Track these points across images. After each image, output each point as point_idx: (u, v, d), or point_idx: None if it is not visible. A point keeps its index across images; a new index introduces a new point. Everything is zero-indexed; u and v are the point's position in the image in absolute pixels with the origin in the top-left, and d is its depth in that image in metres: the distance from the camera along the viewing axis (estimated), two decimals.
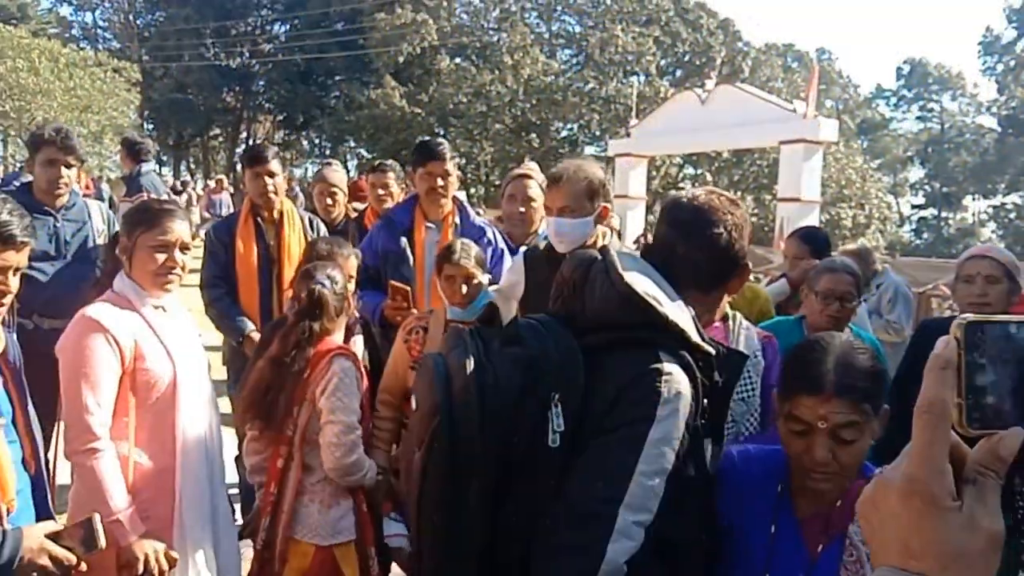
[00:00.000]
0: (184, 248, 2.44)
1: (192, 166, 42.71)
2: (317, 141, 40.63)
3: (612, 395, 1.52)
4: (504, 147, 31.38)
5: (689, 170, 33.41)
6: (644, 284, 1.58)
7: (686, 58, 34.25)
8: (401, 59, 31.12)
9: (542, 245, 2.99)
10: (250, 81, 38.22)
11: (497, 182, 31.59)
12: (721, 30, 34.14)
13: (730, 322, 2.63)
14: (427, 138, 3.91)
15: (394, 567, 2.96)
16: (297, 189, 16.25)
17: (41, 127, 3.73)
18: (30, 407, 2.08)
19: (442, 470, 1.52)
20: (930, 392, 0.63)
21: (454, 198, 3.71)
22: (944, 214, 48.91)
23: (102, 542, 1.87)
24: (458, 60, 33.24)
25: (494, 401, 1.50)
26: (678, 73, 34.34)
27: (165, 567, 2.24)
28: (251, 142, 40.82)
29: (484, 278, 3.05)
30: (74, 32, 40.17)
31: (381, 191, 4.65)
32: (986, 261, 2.85)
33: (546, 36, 35.01)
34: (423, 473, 1.56)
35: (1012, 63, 43.77)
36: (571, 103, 30.94)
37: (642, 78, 31.62)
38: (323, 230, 4.11)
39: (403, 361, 3.05)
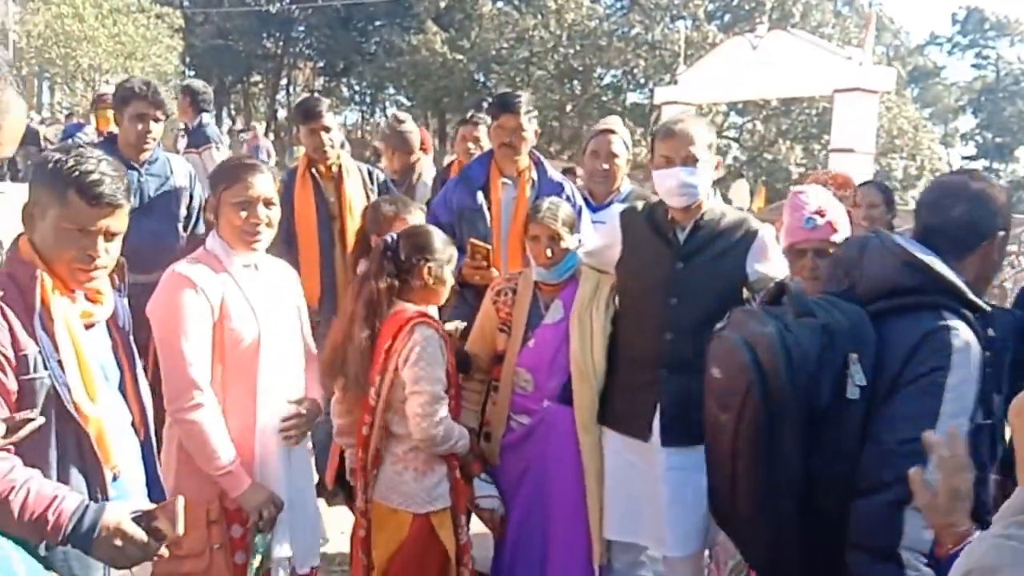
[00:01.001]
0: (268, 204, 2.41)
1: (233, 113, 42.79)
2: (357, 88, 40.39)
3: (905, 352, 1.74)
4: (546, 94, 30.93)
5: (735, 118, 32.74)
6: (920, 252, 1.81)
7: (734, 2, 33.24)
8: (442, 3, 30.69)
9: (639, 205, 2.91)
10: (290, 27, 37.93)
11: (538, 130, 31.27)
12: None
13: None
14: (506, 91, 3.80)
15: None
16: (343, 138, 16.15)
17: (130, 80, 3.64)
18: (139, 372, 2.06)
19: (756, 426, 1.78)
20: None
21: (531, 153, 3.59)
22: (996, 165, 47.54)
23: (180, 528, 1.79)
24: (500, 4, 32.62)
25: (799, 361, 1.74)
26: (726, 18, 33.37)
27: (274, 514, 2.24)
28: (291, 89, 40.76)
29: (573, 240, 2.93)
30: None
31: (471, 144, 4.54)
32: None
33: None
34: (735, 432, 1.83)
35: None
36: (616, 48, 30.28)
37: (689, 23, 30.80)
38: (381, 177, 4.07)
39: (491, 323, 3.02)
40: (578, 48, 30.59)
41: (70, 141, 8.22)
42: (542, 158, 3.66)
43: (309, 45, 38.53)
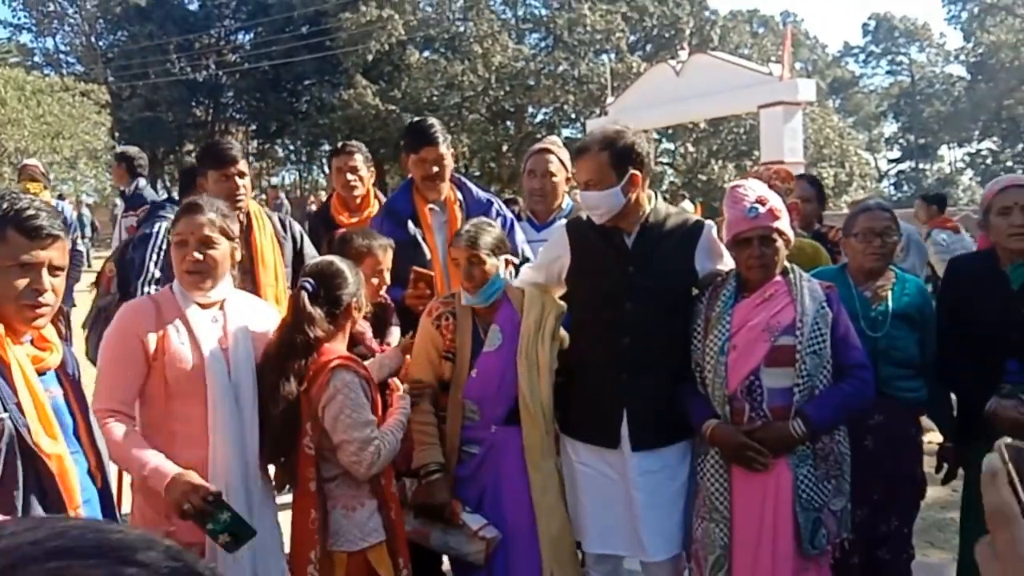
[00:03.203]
0: (205, 243, 2.45)
1: (168, 183, 42.34)
2: (292, 147, 40.30)
3: None
4: (481, 136, 31.30)
5: (667, 144, 33.44)
6: None
7: (655, 32, 34.16)
8: (370, 57, 30.88)
9: (584, 215, 2.89)
10: (219, 93, 37.85)
11: (477, 172, 31.51)
12: (687, 1, 34.08)
13: (791, 275, 2.64)
14: (417, 119, 3.63)
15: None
16: (283, 196, 16.13)
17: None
18: (92, 419, 2.06)
19: None
20: (992, 501, 0.68)
21: (451, 175, 3.57)
22: (922, 165, 49.21)
23: None
24: (427, 53, 33.04)
25: None
26: (648, 48, 34.25)
27: (199, 503, 2.21)
28: None
29: (495, 262, 2.87)
30: (36, 59, 39.62)
31: (350, 175, 4.14)
32: (1023, 190, 2.81)
33: (513, 21, 34.84)
34: None
35: (976, 9, 44.01)
36: (544, 87, 30.86)
37: (613, 56, 31.56)
38: (297, 229, 3.79)
39: (435, 348, 2.92)
40: (508, 89, 31.10)
41: None
42: (463, 179, 3.65)
43: (240, 109, 38.46)
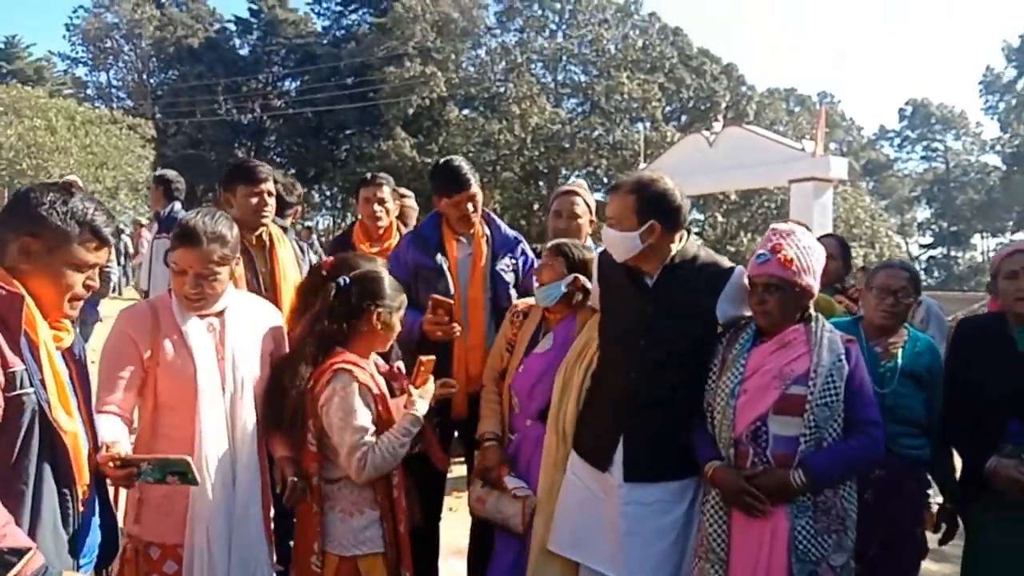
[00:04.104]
0: (203, 276, 2.49)
1: None
2: (329, 193, 41.01)
3: None
4: (513, 194, 31.69)
5: (697, 214, 33.58)
6: None
7: (691, 103, 34.65)
8: (411, 111, 31.60)
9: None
10: (262, 136, 38.79)
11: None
12: (724, 75, 34.59)
13: (813, 324, 2.62)
14: (445, 160, 3.64)
15: None
16: (315, 238, 16.36)
17: None
18: (93, 402, 2.13)
19: None
20: None
21: (482, 211, 3.65)
22: (953, 252, 48.88)
23: None
24: (466, 111, 33.73)
25: None
26: (683, 119, 34.70)
27: (112, 472, 2.17)
28: None
29: (565, 272, 3.15)
30: (89, 92, 41.00)
31: (376, 206, 4.29)
32: None
33: (552, 86, 35.52)
34: None
35: (1014, 101, 44.15)
36: (579, 150, 31.31)
37: (648, 124, 32.02)
38: (313, 257, 3.86)
39: (505, 339, 3.32)
40: (542, 150, 31.57)
41: None
42: (492, 215, 3.72)
43: (281, 153, 39.32)
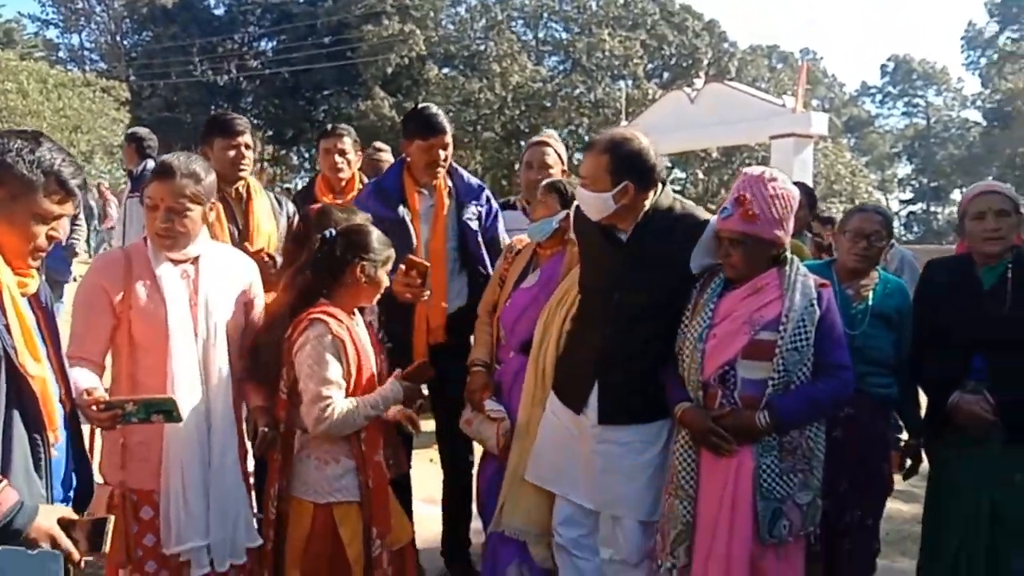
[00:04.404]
0: (175, 210, 2.50)
1: None
2: (307, 155, 40.61)
3: None
4: (495, 154, 31.51)
5: (678, 173, 33.56)
6: None
7: (673, 61, 34.44)
8: (389, 70, 31.23)
9: None
10: (238, 97, 38.22)
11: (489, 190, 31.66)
12: (707, 32, 34.35)
13: (787, 268, 2.63)
14: (421, 106, 3.60)
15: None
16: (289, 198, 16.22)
17: None
18: (62, 349, 2.12)
19: None
20: None
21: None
22: (933, 208, 49.18)
23: (106, 547, 1.88)
24: (446, 70, 33.37)
25: None
26: (665, 76, 34.51)
27: (95, 415, 2.24)
28: None
29: (559, 208, 3.20)
30: (61, 55, 40.16)
31: (338, 157, 4.26)
32: (995, 196, 2.89)
33: (532, 43, 35.18)
34: None
35: (995, 56, 44.13)
36: (560, 108, 31.11)
37: (630, 82, 31.83)
38: (291, 208, 3.85)
39: (499, 274, 3.46)
40: (523, 109, 31.35)
41: None
42: (454, 164, 3.66)
43: (258, 115, 38.78)
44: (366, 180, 4.39)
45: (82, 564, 1.86)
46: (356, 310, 2.78)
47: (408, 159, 3.56)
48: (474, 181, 3.70)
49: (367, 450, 2.64)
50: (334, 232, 2.68)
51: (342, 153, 4.28)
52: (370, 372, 2.69)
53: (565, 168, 3.90)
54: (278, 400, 2.65)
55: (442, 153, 3.47)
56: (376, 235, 2.74)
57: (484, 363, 3.35)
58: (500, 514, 3.11)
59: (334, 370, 2.55)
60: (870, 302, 3.00)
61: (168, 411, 2.27)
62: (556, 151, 3.85)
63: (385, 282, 2.77)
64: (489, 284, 3.48)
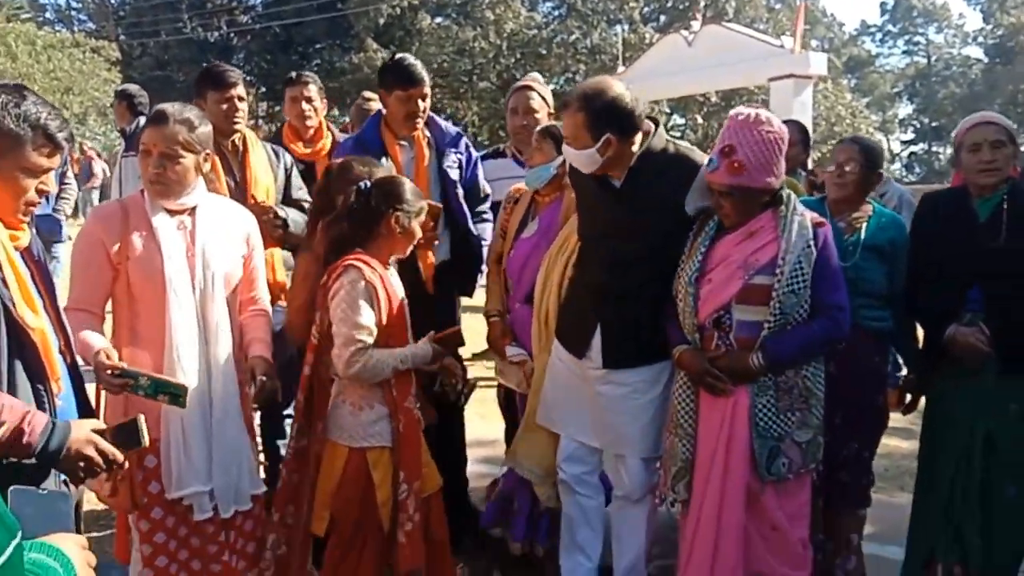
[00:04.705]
0: (168, 156, 2.50)
1: None
2: None
3: None
4: (491, 104, 31.12)
5: (677, 119, 33.24)
6: None
7: (668, 3, 33.87)
8: (381, 21, 30.71)
9: None
10: (230, 54, 37.62)
11: (486, 142, 31.39)
12: None
13: (783, 208, 2.60)
14: (397, 57, 3.55)
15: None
16: None
17: None
18: (58, 301, 2.13)
19: None
20: None
21: None
22: (935, 148, 48.83)
23: (145, 440, 1.98)
24: (439, 19, 32.81)
25: None
26: (662, 19, 33.97)
27: (108, 379, 2.31)
28: None
29: (555, 153, 3.21)
30: (48, 16, 39.58)
31: (304, 105, 4.20)
32: (991, 127, 2.87)
33: None
34: None
35: None
36: (556, 55, 30.66)
37: (626, 26, 31.32)
38: (289, 160, 3.83)
39: (500, 226, 3.50)
40: (519, 57, 30.89)
41: None
42: (431, 114, 3.61)
43: (250, 71, 38.22)
44: (335, 130, 4.36)
45: (125, 465, 1.98)
46: (391, 261, 2.81)
47: (386, 111, 3.52)
48: (452, 129, 3.67)
49: (398, 396, 2.68)
50: (368, 184, 2.71)
51: (308, 100, 4.24)
52: (402, 321, 2.73)
53: (552, 111, 3.87)
54: (308, 344, 2.71)
55: (421, 104, 3.43)
56: (409, 186, 2.76)
57: (498, 312, 3.46)
58: (514, 453, 3.22)
59: (367, 315, 2.59)
60: (862, 235, 3.01)
61: (176, 395, 2.31)
62: (540, 95, 3.84)
63: (418, 233, 2.79)
64: (493, 236, 3.56)
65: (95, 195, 16.61)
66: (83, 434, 1.85)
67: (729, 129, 2.56)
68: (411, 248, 2.84)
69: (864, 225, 3.04)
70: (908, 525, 3.09)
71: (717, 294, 2.59)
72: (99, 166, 17.09)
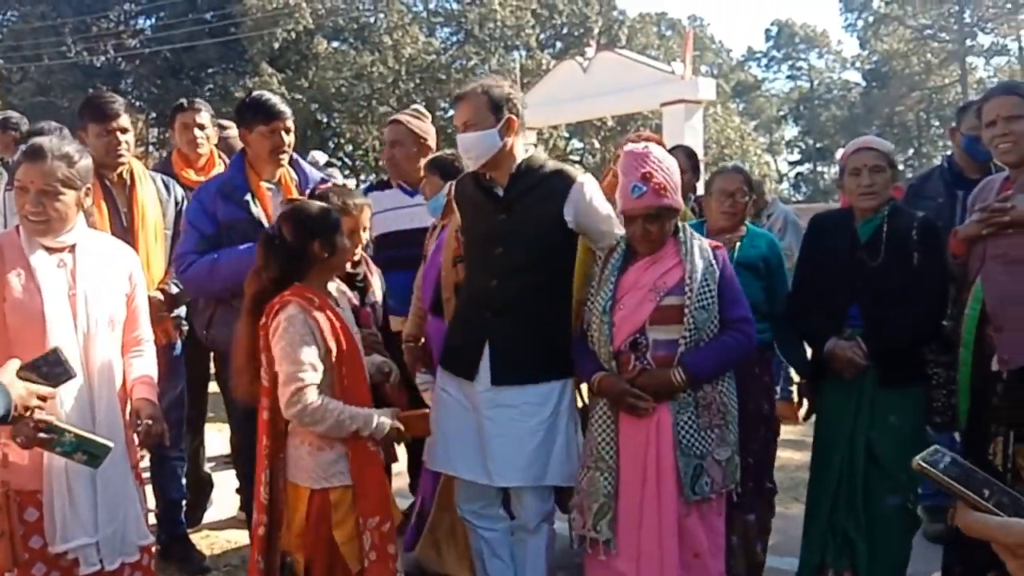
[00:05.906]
0: (46, 193, 2.39)
1: None
2: None
3: None
4: None
5: (576, 144, 33.86)
6: None
7: (564, 30, 34.57)
8: (276, 45, 30.25)
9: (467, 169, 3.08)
10: (118, 79, 36.35)
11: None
12: (596, 0, 34.57)
13: (680, 234, 2.75)
14: (254, 94, 3.46)
15: None
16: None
17: None
18: None
19: None
20: (973, 528, 0.83)
21: None
22: (820, 168, 51.14)
23: (73, 371, 1.98)
24: (336, 43, 32.57)
25: None
26: (558, 45, 34.64)
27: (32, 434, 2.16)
28: None
29: (443, 185, 3.51)
30: None
31: (197, 131, 4.10)
32: (871, 153, 3.05)
33: (424, 14, 34.67)
34: None
35: (871, 19, 45.92)
36: (455, 80, 30.78)
37: (524, 52, 31.79)
38: (180, 193, 3.70)
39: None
40: (418, 82, 30.94)
41: None
42: (294, 155, 3.53)
43: (140, 96, 37.07)
44: (225, 158, 4.25)
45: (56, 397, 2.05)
46: (339, 289, 2.76)
47: (249, 151, 3.40)
48: (316, 174, 3.61)
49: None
50: (276, 224, 2.62)
51: (200, 127, 4.15)
52: (354, 349, 2.60)
53: (425, 139, 3.98)
54: (260, 387, 2.58)
55: (286, 137, 3.35)
56: (313, 207, 2.65)
57: (413, 337, 3.56)
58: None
59: (308, 352, 2.45)
60: (736, 253, 3.20)
61: (95, 455, 2.19)
62: (407, 126, 3.95)
63: (344, 246, 2.67)
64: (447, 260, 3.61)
65: None
66: (6, 379, 1.84)
67: (636, 160, 2.67)
68: (348, 264, 2.86)
69: (737, 245, 3.26)
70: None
71: (631, 318, 2.67)
72: None
